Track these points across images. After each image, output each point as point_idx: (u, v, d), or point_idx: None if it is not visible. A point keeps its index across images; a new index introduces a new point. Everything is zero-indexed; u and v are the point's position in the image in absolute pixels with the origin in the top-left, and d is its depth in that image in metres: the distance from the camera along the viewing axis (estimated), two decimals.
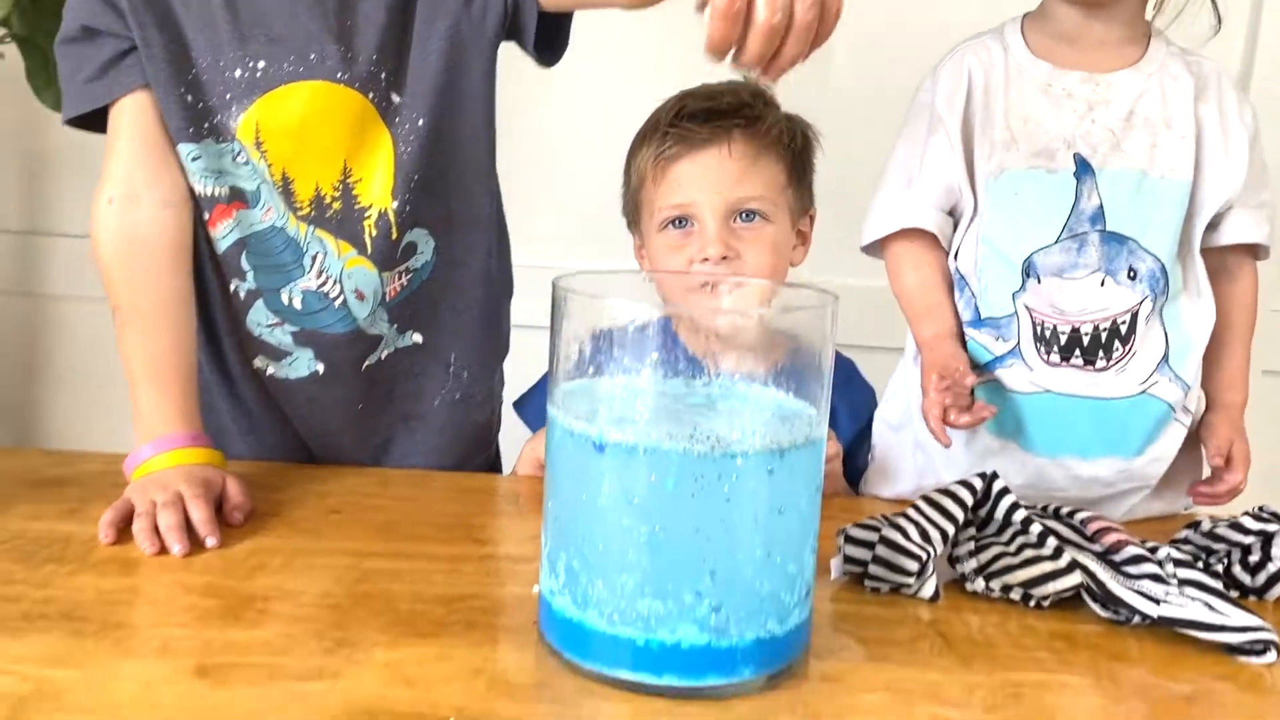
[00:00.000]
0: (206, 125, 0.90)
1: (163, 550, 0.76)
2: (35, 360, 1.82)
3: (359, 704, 0.57)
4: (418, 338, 0.99)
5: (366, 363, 0.98)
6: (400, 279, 0.96)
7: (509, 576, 0.75)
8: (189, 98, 0.88)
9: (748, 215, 1.00)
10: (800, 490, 0.61)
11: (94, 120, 0.91)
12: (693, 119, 0.99)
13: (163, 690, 0.57)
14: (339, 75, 0.89)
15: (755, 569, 0.59)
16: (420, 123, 0.91)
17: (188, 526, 0.78)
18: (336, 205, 0.92)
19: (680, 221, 1.01)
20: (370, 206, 0.93)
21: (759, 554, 0.59)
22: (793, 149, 1.03)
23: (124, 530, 0.78)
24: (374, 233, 0.93)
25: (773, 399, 0.61)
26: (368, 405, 1.00)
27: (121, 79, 0.88)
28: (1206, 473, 1.00)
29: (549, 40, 0.93)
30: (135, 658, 0.61)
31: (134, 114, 0.89)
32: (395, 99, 0.91)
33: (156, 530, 0.77)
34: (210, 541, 0.77)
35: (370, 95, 0.90)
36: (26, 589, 0.69)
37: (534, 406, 1.12)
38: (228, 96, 0.89)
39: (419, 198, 0.93)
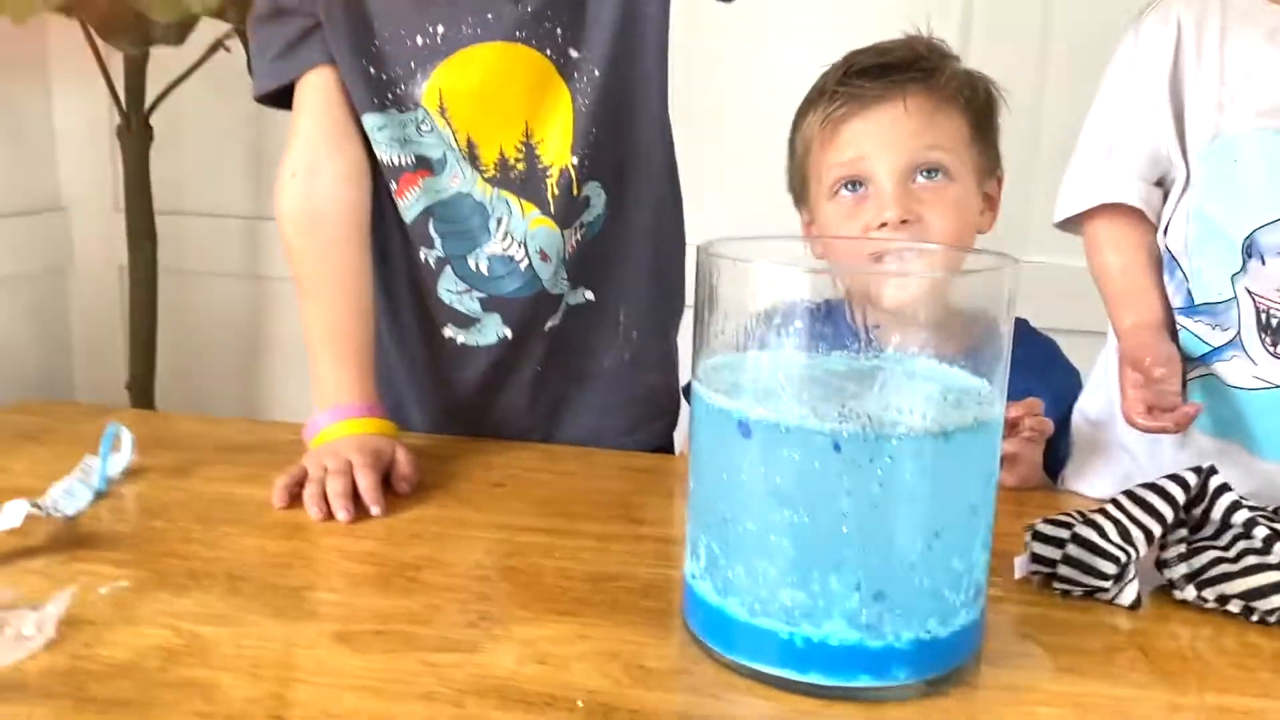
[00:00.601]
0: (390, 95, 0.91)
1: (329, 516, 0.77)
2: (263, 340, 1.94)
3: (489, 680, 0.55)
4: (589, 294, 0.98)
5: (549, 324, 0.98)
6: (577, 234, 0.95)
7: (661, 558, 0.72)
8: (371, 70, 0.90)
9: (929, 173, 0.92)
10: (969, 476, 0.54)
11: (284, 98, 0.94)
12: (863, 75, 0.92)
13: (300, 652, 0.58)
14: (517, 34, 0.88)
15: (913, 563, 0.53)
16: (596, 74, 0.89)
17: (356, 495, 0.79)
18: (520, 166, 0.92)
19: (853, 185, 0.93)
20: (551, 165, 0.92)
21: (917, 546, 0.53)
22: (974, 105, 0.94)
23: (297, 495, 0.80)
24: (556, 192, 0.92)
25: (941, 374, 0.55)
26: (546, 368, 1.00)
27: (306, 55, 0.91)
28: None
29: None
30: (283, 619, 0.62)
31: (317, 89, 0.91)
32: (573, 54, 0.90)
33: (325, 497, 0.78)
34: (375, 510, 0.78)
35: (548, 52, 0.89)
36: (198, 548, 0.72)
37: None
38: (411, 65, 0.90)
39: (596, 151, 0.92)
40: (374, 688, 0.54)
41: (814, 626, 0.53)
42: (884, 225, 0.90)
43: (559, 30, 0.89)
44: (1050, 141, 1.17)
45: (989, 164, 0.97)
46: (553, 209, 0.93)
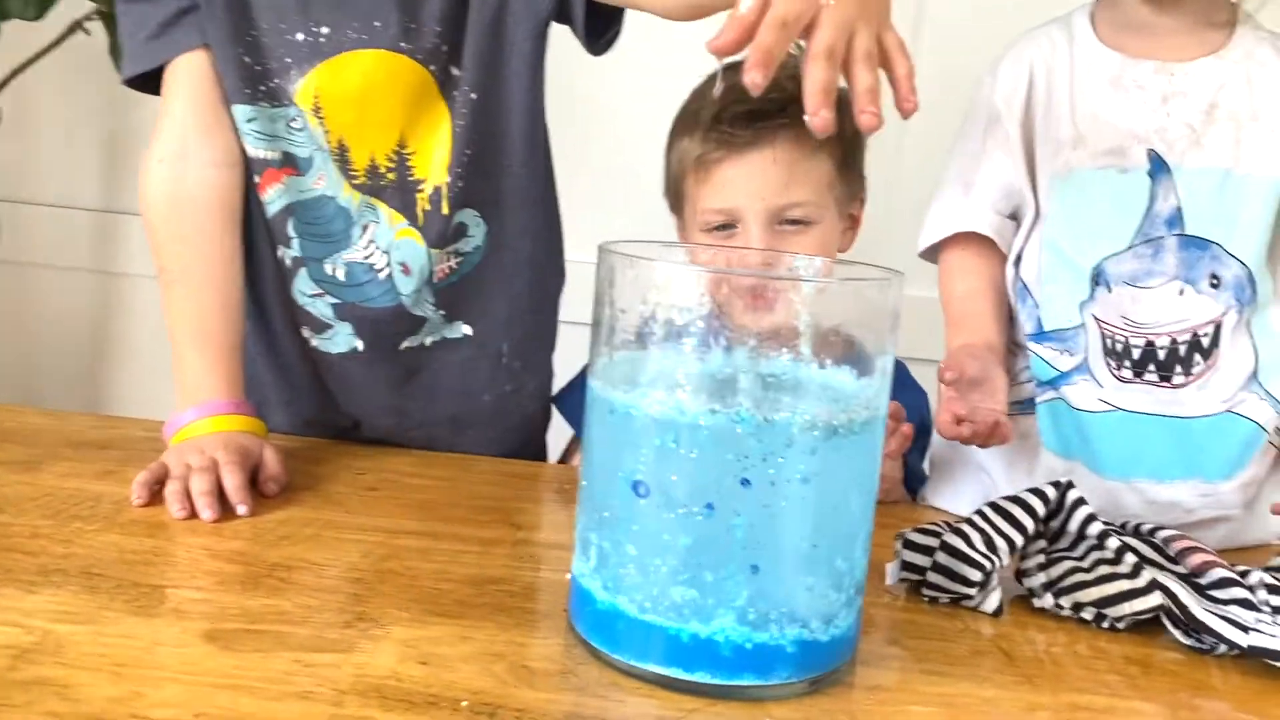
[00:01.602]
0: (263, 88, 0.88)
1: (193, 515, 0.74)
2: (110, 337, 1.85)
3: (369, 680, 0.53)
4: (467, 329, 0.97)
5: (405, 344, 0.95)
6: (449, 260, 0.93)
7: (544, 562, 0.71)
8: (247, 59, 0.87)
9: (793, 222, 0.96)
10: (853, 479, 0.56)
11: (152, 82, 0.90)
12: (735, 122, 0.95)
13: (167, 651, 0.55)
14: (401, 45, 0.87)
15: (800, 561, 0.54)
16: (473, 96, 0.89)
17: (221, 494, 0.76)
18: (391, 176, 0.90)
19: (723, 225, 0.97)
20: (425, 181, 0.91)
21: (805, 545, 0.54)
22: (842, 139, 0.99)
23: (157, 493, 0.76)
24: (427, 207, 0.91)
25: (829, 379, 0.56)
26: (410, 394, 0.97)
27: (180, 38, 0.87)
28: None
29: (600, 29, 0.90)
30: (145, 617, 0.58)
31: (189, 74, 0.87)
32: (455, 72, 0.89)
33: (188, 495, 0.75)
34: (241, 510, 0.75)
35: (431, 68, 0.88)
36: (49, 544, 0.67)
37: (573, 401, 1.08)
38: (288, 60, 0.87)
39: (471, 175, 0.91)
40: (247, 687, 0.52)
41: (702, 624, 0.54)
42: None
43: (443, 46, 0.88)
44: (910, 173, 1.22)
45: (853, 191, 1.02)
46: (420, 223, 0.91)
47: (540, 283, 1.00)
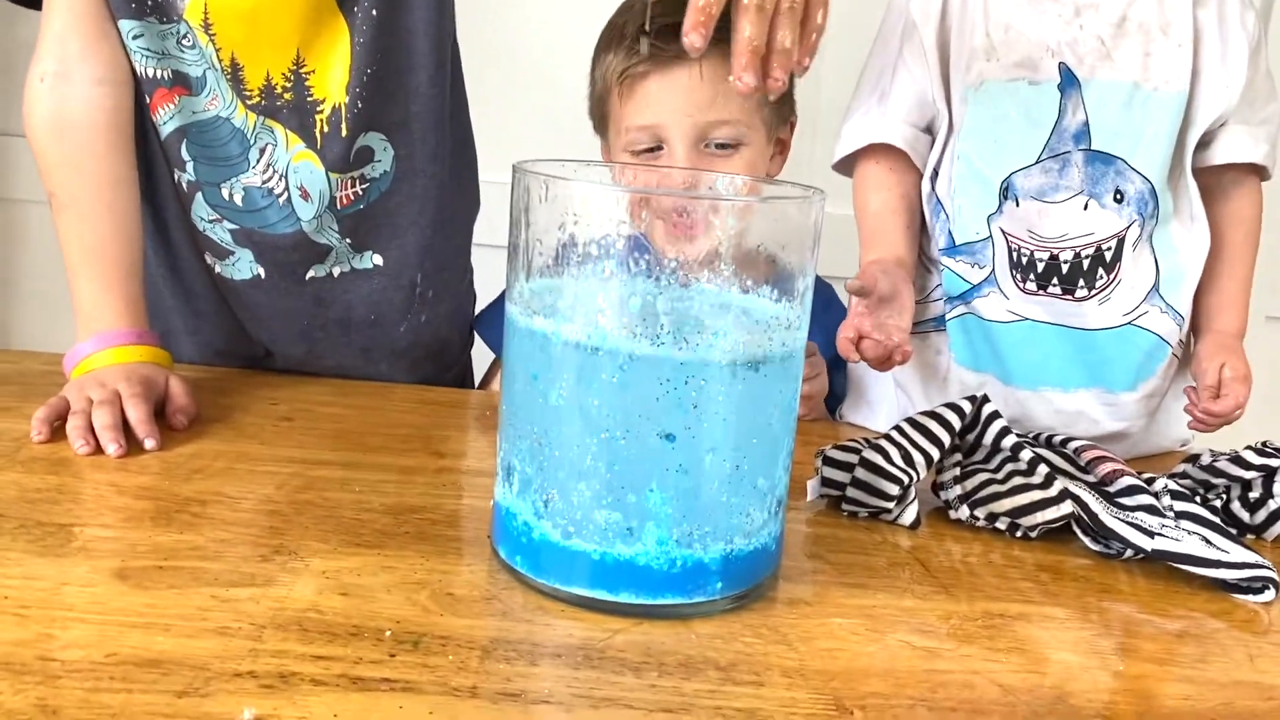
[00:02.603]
0: (150, 2, 0.83)
1: (97, 450, 0.71)
2: (3, 267, 1.76)
3: (288, 613, 0.52)
4: (377, 259, 0.94)
5: (310, 273, 0.93)
6: (353, 186, 0.90)
7: (466, 490, 0.71)
8: None
9: (720, 145, 0.94)
10: (774, 399, 0.56)
11: None
12: (661, 36, 0.92)
13: (75, 591, 0.53)
14: None
15: (721, 482, 0.54)
16: (374, 13, 0.85)
17: (126, 428, 0.73)
18: (288, 95, 0.86)
19: (649, 149, 0.95)
20: (323, 100, 0.87)
21: (726, 466, 0.54)
22: None
23: (59, 429, 0.73)
24: (325, 129, 0.87)
25: (749, 302, 0.56)
26: (320, 324, 0.95)
27: None
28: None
29: None
30: (51, 557, 0.56)
31: None
32: None
33: (91, 430, 0.72)
34: (149, 443, 0.72)
35: None
36: None
37: (493, 323, 1.06)
38: None
39: (373, 96, 0.87)
40: (161, 624, 0.50)
41: (626, 546, 0.54)
42: None
43: None
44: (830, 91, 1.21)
45: (782, 115, 1.00)
46: (319, 145, 0.88)
47: (452, 209, 0.97)
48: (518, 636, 0.53)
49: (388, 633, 0.51)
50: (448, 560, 0.60)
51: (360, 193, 0.91)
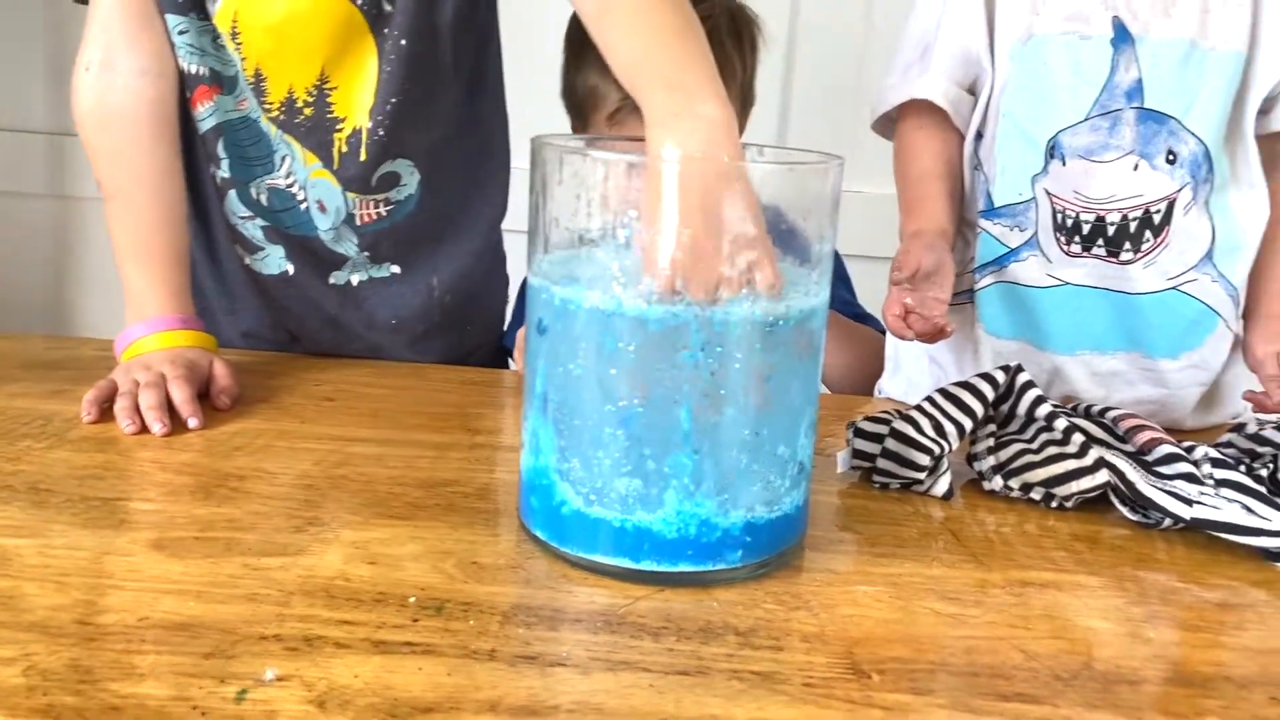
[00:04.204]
0: None
1: (143, 430, 0.73)
2: (68, 263, 1.82)
3: (316, 580, 0.54)
4: (395, 269, 0.95)
5: (332, 279, 0.94)
6: (376, 208, 0.91)
7: (499, 464, 0.72)
8: None
9: None
10: (794, 364, 0.56)
11: None
12: None
13: (113, 560, 0.55)
14: None
15: (741, 448, 0.54)
16: (403, 43, 0.86)
17: (172, 409, 0.75)
18: (308, 111, 0.87)
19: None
20: (344, 120, 0.88)
21: (746, 433, 0.54)
22: (734, 37, 0.97)
23: (108, 410, 0.76)
24: (344, 149, 0.88)
25: None
26: (346, 320, 0.96)
27: None
28: None
29: None
30: (93, 528, 0.58)
31: None
32: (386, 8, 0.85)
33: (138, 410, 0.74)
34: (192, 423, 0.74)
35: (359, 2, 0.84)
36: None
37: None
38: None
39: (398, 123, 0.88)
40: (194, 591, 0.52)
41: (647, 513, 0.54)
42: None
43: None
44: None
45: (743, 99, 1.04)
46: (335, 165, 0.89)
47: (475, 215, 0.98)
48: (539, 603, 0.53)
49: (412, 599, 0.52)
50: (475, 531, 0.61)
51: (384, 214, 0.92)
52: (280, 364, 0.92)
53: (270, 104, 0.87)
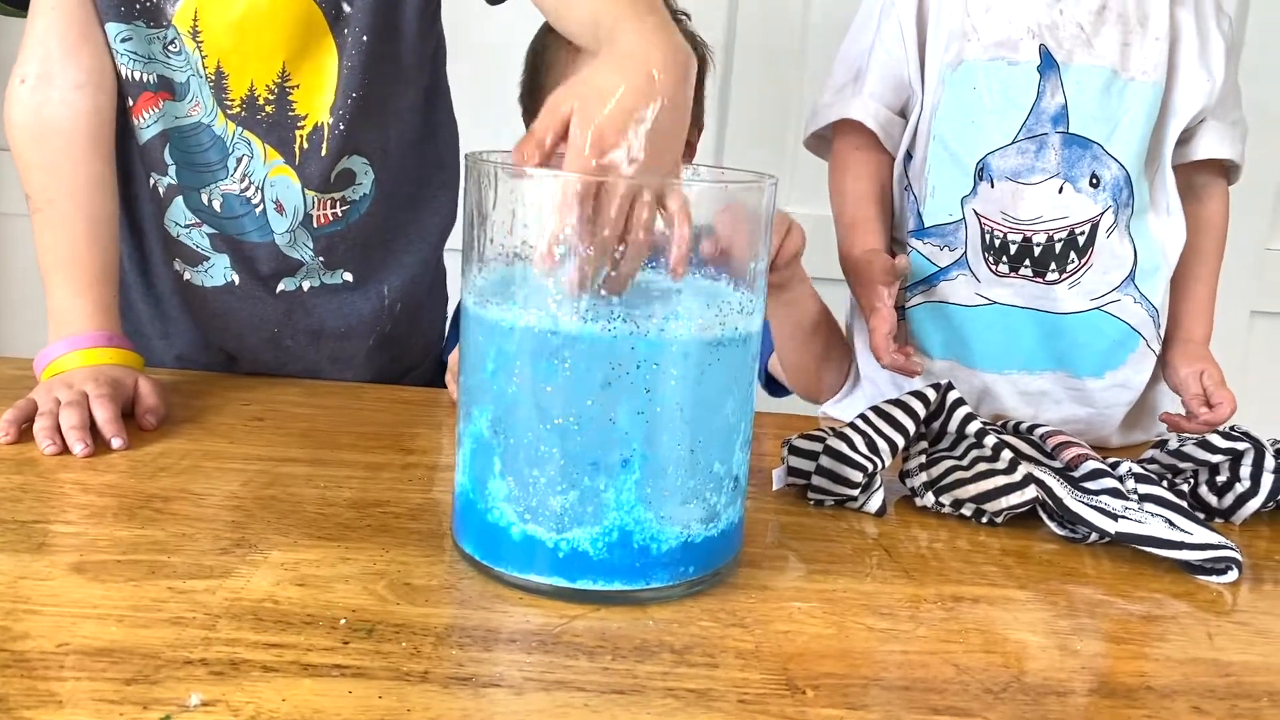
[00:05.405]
0: (139, 6, 0.84)
1: (64, 450, 0.71)
2: None
3: (243, 603, 0.53)
4: (348, 276, 0.94)
5: (281, 286, 0.93)
6: (333, 207, 0.90)
7: (433, 484, 0.71)
8: None
9: None
10: (728, 383, 0.56)
11: (22, 1, 0.84)
12: None
13: (30, 584, 0.53)
14: None
15: (677, 466, 0.54)
16: (364, 39, 0.86)
17: (94, 428, 0.73)
18: (269, 109, 0.87)
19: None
20: (306, 117, 0.87)
21: (682, 451, 0.54)
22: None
23: (26, 430, 0.73)
24: (305, 145, 0.88)
25: (702, 286, 0.56)
26: (288, 334, 0.95)
27: None
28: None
29: None
30: (9, 553, 0.56)
31: None
32: (345, 9, 0.85)
33: (59, 430, 0.72)
34: (115, 443, 0.73)
35: (319, 1, 0.84)
36: None
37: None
38: None
39: (357, 120, 0.88)
40: (116, 615, 0.50)
41: (583, 532, 0.54)
42: None
43: None
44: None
45: (694, 117, 1.02)
46: (296, 161, 0.88)
47: (425, 225, 0.98)
48: (473, 624, 0.53)
49: (343, 621, 0.52)
50: (408, 552, 0.60)
51: (339, 214, 0.91)
52: (208, 383, 0.90)
53: (231, 101, 0.86)
